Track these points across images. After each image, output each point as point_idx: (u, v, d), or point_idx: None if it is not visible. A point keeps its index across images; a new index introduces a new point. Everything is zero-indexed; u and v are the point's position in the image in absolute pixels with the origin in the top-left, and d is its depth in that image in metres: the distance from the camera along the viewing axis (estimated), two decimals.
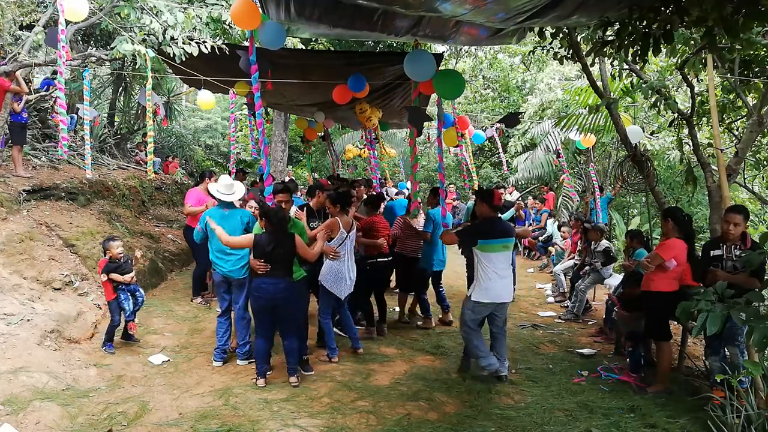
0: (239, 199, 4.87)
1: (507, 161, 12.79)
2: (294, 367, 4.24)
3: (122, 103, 12.70)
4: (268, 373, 4.30)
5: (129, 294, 4.71)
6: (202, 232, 4.64)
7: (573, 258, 7.28)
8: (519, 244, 10.77)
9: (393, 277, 6.42)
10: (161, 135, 13.98)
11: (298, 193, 8.04)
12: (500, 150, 12.40)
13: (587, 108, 6.95)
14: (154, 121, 7.62)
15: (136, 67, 8.08)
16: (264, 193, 4.75)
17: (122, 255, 4.70)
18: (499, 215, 4.50)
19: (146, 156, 10.75)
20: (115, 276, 4.60)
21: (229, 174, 7.89)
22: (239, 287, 4.59)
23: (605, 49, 3.79)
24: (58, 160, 7.90)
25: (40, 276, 5.12)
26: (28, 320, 4.39)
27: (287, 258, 4.15)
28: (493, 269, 4.17)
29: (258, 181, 8.98)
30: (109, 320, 4.67)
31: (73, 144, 8.78)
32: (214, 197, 4.80)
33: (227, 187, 4.67)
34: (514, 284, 5.04)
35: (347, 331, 4.98)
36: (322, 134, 11.50)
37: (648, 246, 5.54)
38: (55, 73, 8.40)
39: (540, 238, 10.12)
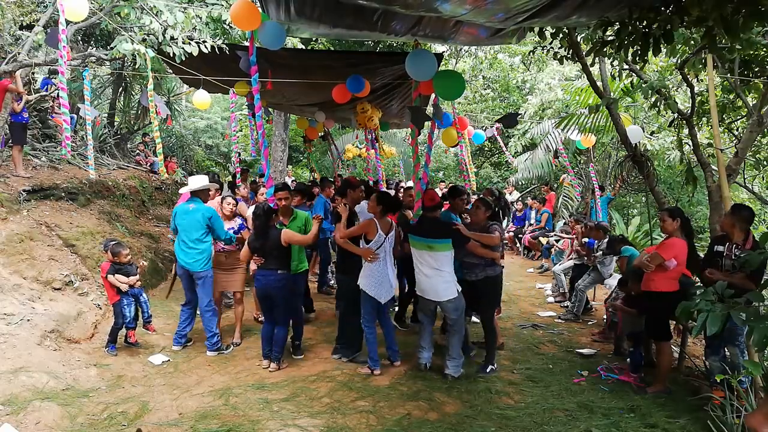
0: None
1: (508, 161, 12.80)
2: (277, 356, 4.48)
3: (122, 103, 12.69)
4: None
5: (132, 299, 4.68)
6: (173, 225, 5.00)
7: (572, 258, 7.27)
8: (518, 244, 10.74)
9: None
10: (161, 135, 13.93)
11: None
12: (505, 149, 12.39)
13: (587, 108, 6.95)
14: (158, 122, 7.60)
15: (136, 67, 8.08)
16: (266, 195, 4.89)
17: (130, 261, 4.81)
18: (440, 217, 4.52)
19: (146, 157, 10.81)
20: (119, 277, 4.60)
21: (234, 175, 7.89)
22: (200, 280, 4.80)
23: (605, 49, 3.78)
24: (58, 160, 7.90)
25: (40, 276, 5.13)
26: (28, 320, 4.39)
27: (275, 250, 4.36)
28: (417, 264, 4.39)
29: (256, 180, 8.96)
30: (113, 322, 4.65)
31: (74, 144, 8.77)
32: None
33: (191, 182, 5.08)
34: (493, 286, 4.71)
35: (386, 339, 4.66)
36: (323, 134, 11.49)
37: (615, 240, 5.99)
38: (54, 72, 8.40)
39: (544, 240, 10.06)
